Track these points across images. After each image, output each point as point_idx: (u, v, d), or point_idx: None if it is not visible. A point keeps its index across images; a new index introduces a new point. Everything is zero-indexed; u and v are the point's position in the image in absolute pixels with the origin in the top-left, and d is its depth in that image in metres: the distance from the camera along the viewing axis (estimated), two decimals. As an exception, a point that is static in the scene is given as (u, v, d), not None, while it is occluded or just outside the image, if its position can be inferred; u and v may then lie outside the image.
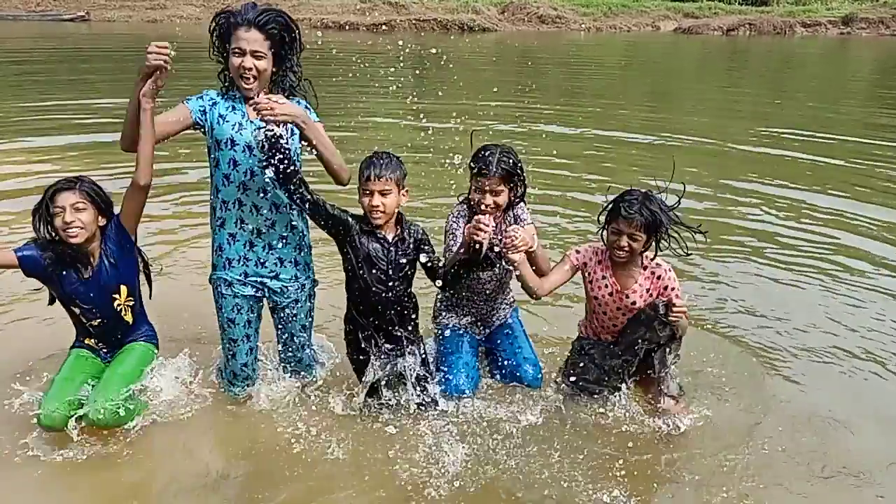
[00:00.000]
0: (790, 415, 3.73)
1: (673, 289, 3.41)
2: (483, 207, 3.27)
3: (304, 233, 3.43)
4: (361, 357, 3.36)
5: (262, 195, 3.15)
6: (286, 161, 2.89)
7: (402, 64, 20.24)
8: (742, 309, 5.04)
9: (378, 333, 3.25)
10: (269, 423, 3.40)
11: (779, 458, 3.36)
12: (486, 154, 3.20)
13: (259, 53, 2.87)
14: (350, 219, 3.14)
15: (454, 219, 3.44)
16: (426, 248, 3.22)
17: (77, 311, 3.16)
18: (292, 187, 2.96)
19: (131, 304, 3.24)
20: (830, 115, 13.81)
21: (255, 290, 3.35)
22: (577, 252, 3.46)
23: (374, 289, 3.12)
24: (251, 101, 2.89)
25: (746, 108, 14.69)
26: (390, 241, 3.11)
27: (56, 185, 2.95)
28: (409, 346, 3.29)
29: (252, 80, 2.92)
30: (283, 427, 3.34)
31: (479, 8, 35.82)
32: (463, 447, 3.17)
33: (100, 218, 3.05)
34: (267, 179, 2.99)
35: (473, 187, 3.30)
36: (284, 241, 3.29)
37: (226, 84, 3.14)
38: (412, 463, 3.11)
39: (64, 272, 3.05)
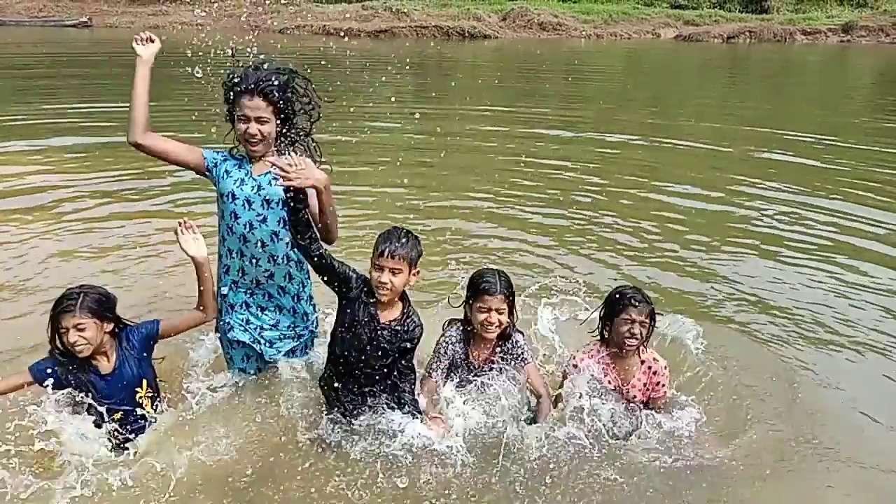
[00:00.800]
0: (806, 412, 3.74)
1: (663, 385, 3.49)
2: (489, 327, 3.32)
3: (304, 283, 3.48)
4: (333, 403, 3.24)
5: (259, 247, 3.24)
6: (304, 212, 2.93)
7: (399, 68, 20.30)
8: (753, 307, 5.05)
9: (348, 395, 3.15)
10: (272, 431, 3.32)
11: (790, 456, 3.35)
12: (488, 276, 3.34)
13: (263, 118, 2.99)
14: (354, 280, 3.05)
15: (446, 340, 3.46)
16: (413, 346, 3.10)
17: (101, 408, 3.14)
18: (304, 241, 2.96)
19: (150, 395, 3.29)
20: (832, 121, 13.82)
21: (252, 339, 3.41)
22: (576, 367, 3.46)
23: (349, 357, 3.05)
24: (270, 163, 2.88)
25: (747, 114, 14.70)
26: (381, 322, 3.02)
27: (59, 306, 2.99)
28: (386, 406, 3.19)
29: (258, 143, 3.06)
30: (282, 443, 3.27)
31: (480, 15, 35.90)
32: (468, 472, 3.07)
33: (105, 325, 3.08)
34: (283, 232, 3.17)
35: (477, 307, 3.33)
36: (282, 290, 3.41)
37: (235, 144, 3.23)
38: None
39: (83, 376, 3.09)
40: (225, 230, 3.28)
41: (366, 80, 17.06)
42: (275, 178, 3.02)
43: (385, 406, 3.17)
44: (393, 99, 15.20)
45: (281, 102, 3.01)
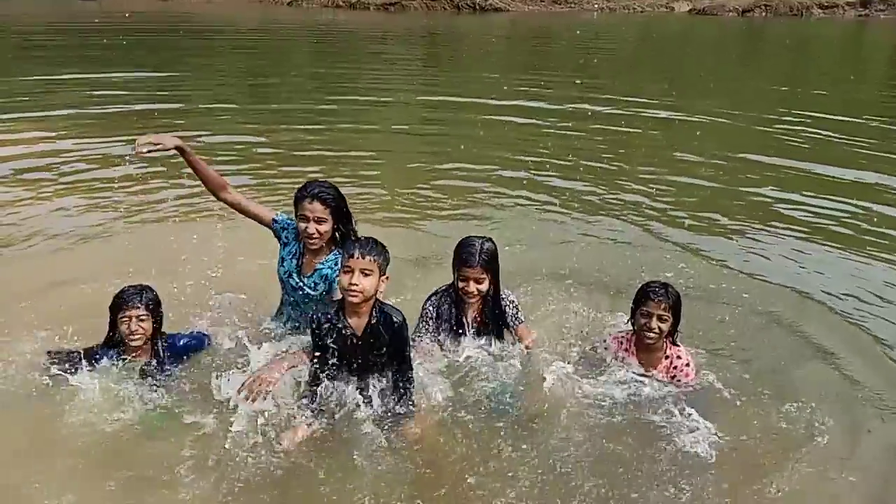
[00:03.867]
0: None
1: (685, 381, 3.43)
2: (468, 295, 3.41)
3: None
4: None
5: (293, 294, 3.62)
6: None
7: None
8: (775, 279, 4.92)
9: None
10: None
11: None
12: (469, 246, 3.44)
13: (320, 218, 3.37)
14: (314, 327, 2.99)
15: (432, 304, 3.53)
16: (399, 338, 3.01)
17: None
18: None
19: None
20: (849, 95, 13.62)
21: None
22: (606, 348, 3.56)
23: (342, 371, 3.04)
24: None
25: (763, 87, 14.48)
26: (359, 335, 2.97)
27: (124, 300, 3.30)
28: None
29: (316, 240, 3.42)
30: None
31: (492, -12, 35.47)
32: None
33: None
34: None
35: (458, 276, 3.44)
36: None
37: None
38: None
39: None
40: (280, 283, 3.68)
41: (376, 52, 16.92)
42: (316, 283, 3.47)
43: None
44: (404, 71, 15.08)
45: (335, 204, 3.40)
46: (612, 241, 5.42)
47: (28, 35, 19.36)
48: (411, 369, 3.11)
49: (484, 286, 3.40)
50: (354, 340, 2.96)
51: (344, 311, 2.96)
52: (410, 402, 3.08)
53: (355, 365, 3.01)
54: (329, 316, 2.98)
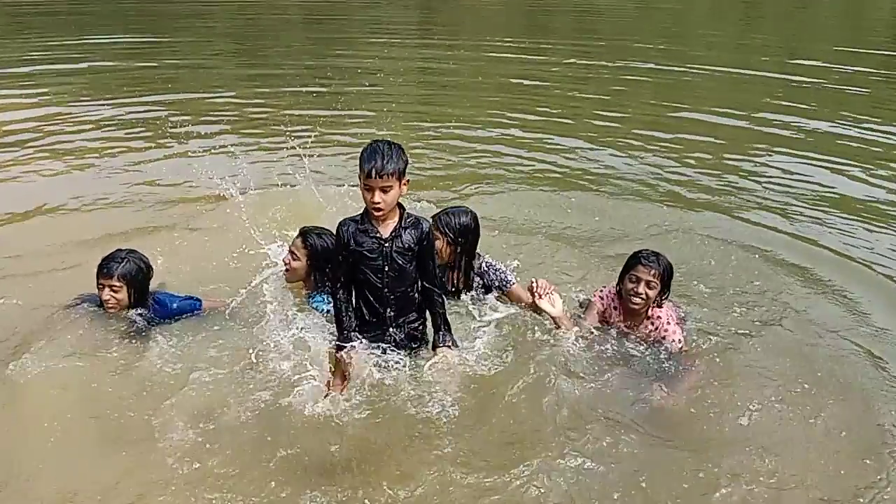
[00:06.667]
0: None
1: (670, 340, 3.41)
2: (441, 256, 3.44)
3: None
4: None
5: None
6: None
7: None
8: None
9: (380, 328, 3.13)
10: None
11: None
12: (448, 209, 3.60)
13: (295, 255, 3.58)
14: (341, 232, 3.04)
15: None
16: (425, 244, 3.06)
17: None
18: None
19: None
20: (848, 50, 13.44)
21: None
22: (601, 298, 3.57)
23: (374, 284, 3.07)
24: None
25: (763, 42, 14.33)
26: (385, 238, 3.01)
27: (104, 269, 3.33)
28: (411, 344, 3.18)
29: (287, 274, 3.64)
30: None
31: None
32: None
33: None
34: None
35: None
36: None
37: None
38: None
39: None
40: None
41: (369, 16, 16.66)
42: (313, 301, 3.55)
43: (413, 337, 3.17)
44: (397, 33, 14.88)
45: (311, 248, 3.55)
46: (613, 197, 5.43)
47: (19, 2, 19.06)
48: (441, 288, 3.16)
49: (438, 244, 3.38)
50: (382, 242, 2.99)
51: (369, 218, 3.00)
52: (449, 330, 3.14)
53: (387, 268, 3.03)
54: (356, 221, 3.02)
